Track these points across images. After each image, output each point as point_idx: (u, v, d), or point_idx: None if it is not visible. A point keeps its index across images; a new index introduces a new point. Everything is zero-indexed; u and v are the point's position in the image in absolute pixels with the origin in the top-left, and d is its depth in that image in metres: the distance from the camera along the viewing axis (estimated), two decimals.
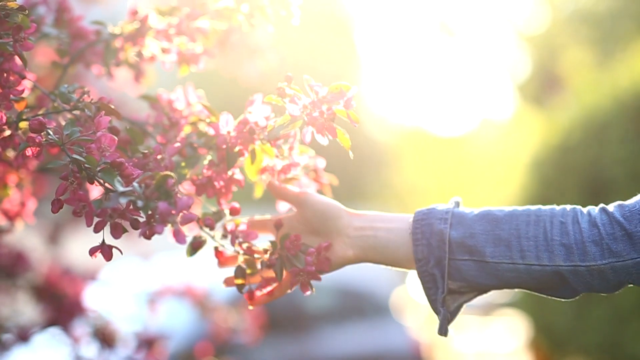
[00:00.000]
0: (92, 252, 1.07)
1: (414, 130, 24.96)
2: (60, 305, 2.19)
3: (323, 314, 5.81)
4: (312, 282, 1.20)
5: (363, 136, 16.04)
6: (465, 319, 11.84)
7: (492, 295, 12.98)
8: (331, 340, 5.66)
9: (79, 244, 2.77)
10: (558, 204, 1.21)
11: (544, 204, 1.23)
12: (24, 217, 1.47)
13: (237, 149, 1.18)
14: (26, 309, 2.28)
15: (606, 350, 5.22)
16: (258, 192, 1.34)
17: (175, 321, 4.16)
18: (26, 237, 2.56)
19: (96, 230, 1.03)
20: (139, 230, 1.01)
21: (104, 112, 1.10)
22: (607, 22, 13.98)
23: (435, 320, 1.22)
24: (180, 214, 0.99)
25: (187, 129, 1.27)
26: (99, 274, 2.45)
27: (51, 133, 1.08)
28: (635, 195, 1.18)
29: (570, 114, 6.06)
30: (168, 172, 1.00)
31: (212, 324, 2.39)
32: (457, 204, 1.25)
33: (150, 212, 0.99)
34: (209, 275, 2.74)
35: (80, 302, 2.21)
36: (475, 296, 1.23)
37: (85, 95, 1.12)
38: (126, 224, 1.04)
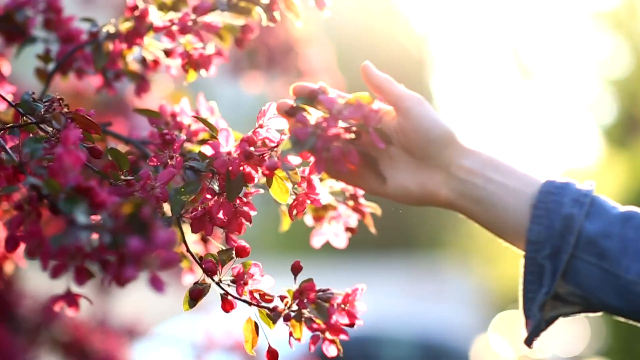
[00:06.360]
0: (53, 302, 0.82)
1: None
2: None
3: None
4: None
5: None
6: None
7: (577, 344, 12.51)
8: None
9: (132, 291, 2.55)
10: None
11: None
12: (13, 258, 1.21)
13: (241, 172, 0.91)
14: None
15: None
16: (285, 225, 1.08)
17: None
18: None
19: (53, 276, 0.77)
20: (104, 277, 0.75)
21: (75, 124, 0.86)
22: None
23: None
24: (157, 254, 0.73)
25: (195, 149, 1.01)
26: (145, 328, 2.24)
27: (9, 151, 0.85)
28: None
29: None
30: (144, 199, 0.75)
31: None
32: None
33: (119, 251, 0.74)
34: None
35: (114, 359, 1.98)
36: (579, 312, 0.95)
37: (56, 105, 0.89)
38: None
